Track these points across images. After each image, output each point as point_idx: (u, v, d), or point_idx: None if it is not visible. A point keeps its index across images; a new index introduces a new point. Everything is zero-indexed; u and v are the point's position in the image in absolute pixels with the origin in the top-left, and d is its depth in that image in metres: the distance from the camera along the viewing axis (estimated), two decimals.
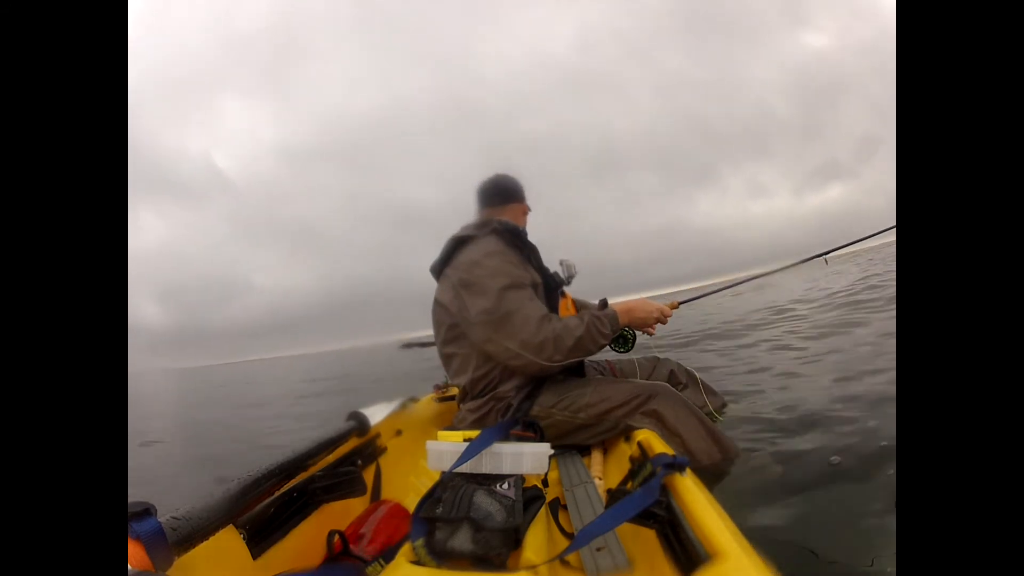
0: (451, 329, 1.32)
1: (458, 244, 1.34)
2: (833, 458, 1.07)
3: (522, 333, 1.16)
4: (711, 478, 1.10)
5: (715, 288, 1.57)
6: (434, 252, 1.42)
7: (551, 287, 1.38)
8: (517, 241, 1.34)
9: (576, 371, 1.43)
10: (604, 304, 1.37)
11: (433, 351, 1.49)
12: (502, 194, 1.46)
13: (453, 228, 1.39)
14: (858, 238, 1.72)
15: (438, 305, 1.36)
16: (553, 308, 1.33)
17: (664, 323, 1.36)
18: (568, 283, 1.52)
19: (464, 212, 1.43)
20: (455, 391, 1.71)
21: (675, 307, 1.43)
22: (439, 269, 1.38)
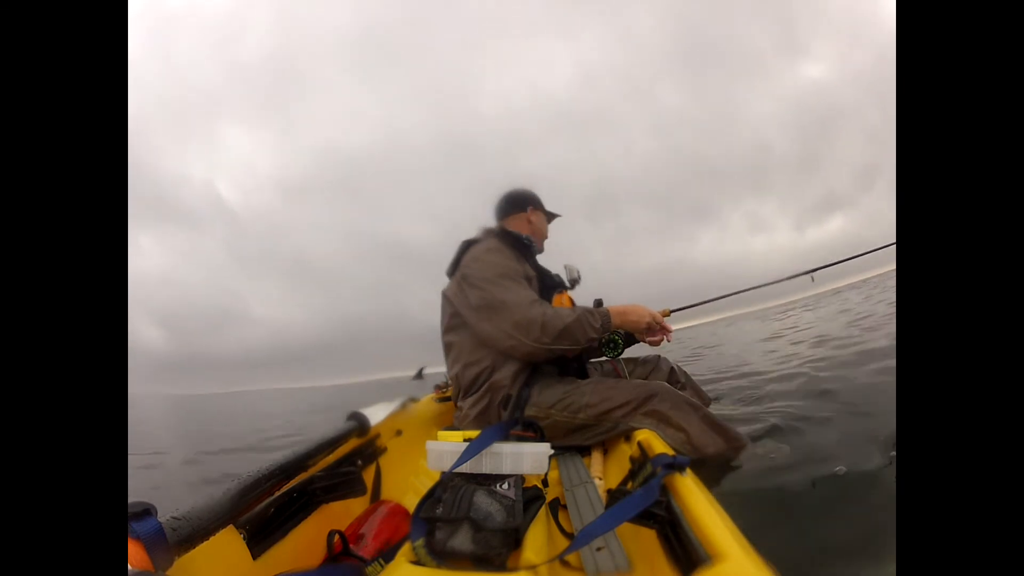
0: (452, 317, 1.42)
1: (466, 247, 1.47)
2: (839, 468, 1.06)
3: (513, 314, 1.24)
4: (718, 470, 1.10)
5: (706, 299, 1.61)
6: (429, 291, 1.56)
7: (547, 285, 1.46)
8: (514, 242, 1.46)
9: (579, 372, 1.45)
10: (599, 303, 1.42)
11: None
12: (505, 206, 1.62)
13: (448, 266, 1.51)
14: (845, 257, 1.78)
15: (444, 298, 1.47)
16: (547, 301, 1.38)
17: (655, 329, 1.40)
18: (572, 287, 1.59)
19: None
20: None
21: (667, 314, 1.48)
22: (452, 270, 1.49)
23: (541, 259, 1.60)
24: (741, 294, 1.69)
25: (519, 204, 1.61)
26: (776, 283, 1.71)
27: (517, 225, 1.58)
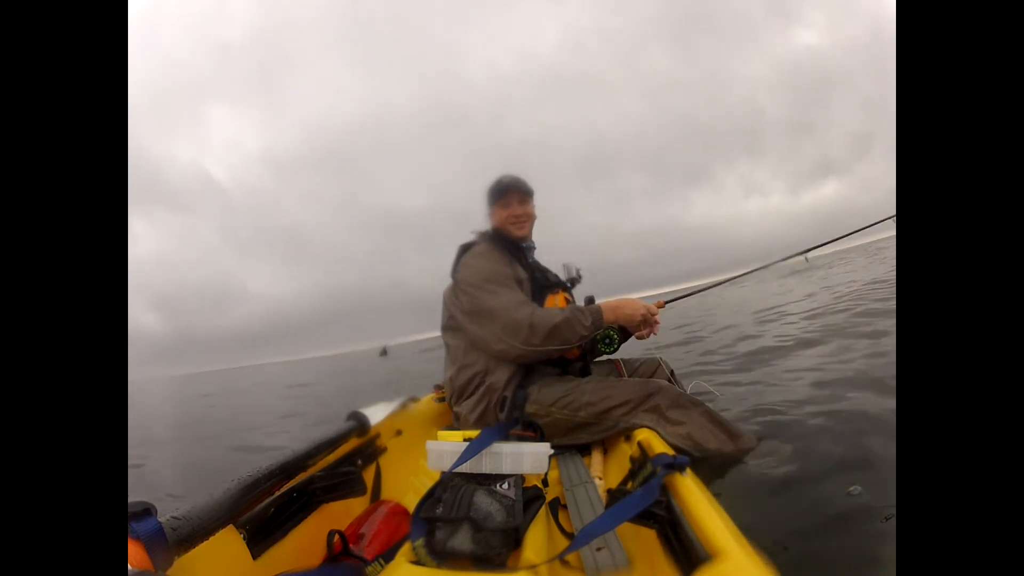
0: (449, 320, 1.44)
1: (461, 251, 1.48)
2: (853, 488, 0.95)
3: (501, 318, 1.26)
4: (720, 468, 1.08)
5: (698, 288, 1.60)
6: (424, 258, 1.58)
7: (540, 286, 1.45)
8: (505, 244, 1.46)
9: (581, 372, 1.46)
10: (591, 300, 1.42)
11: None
12: (487, 200, 1.57)
13: (442, 235, 1.59)
14: (838, 236, 1.77)
15: (443, 300, 1.49)
16: (540, 303, 1.39)
17: (650, 323, 1.38)
18: (572, 285, 1.57)
19: (452, 219, 1.55)
20: None
21: (661, 306, 1.46)
22: (453, 273, 1.50)
23: (544, 258, 1.58)
24: (731, 275, 1.70)
25: (490, 198, 1.52)
26: (771, 265, 1.72)
27: (497, 218, 1.50)
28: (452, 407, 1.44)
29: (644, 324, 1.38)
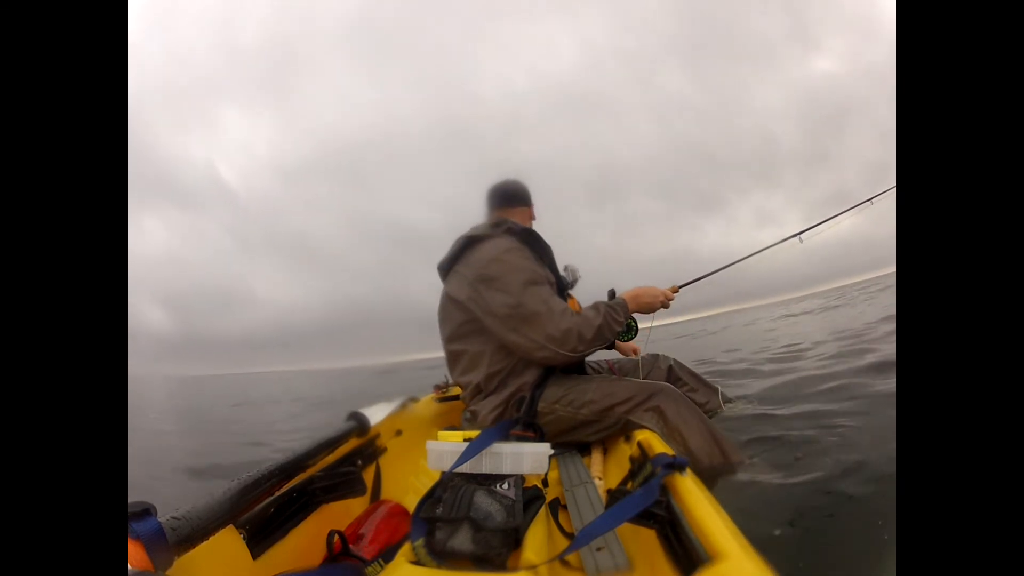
0: (463, 325, 1.33)
1: (470, 243, 1.35)
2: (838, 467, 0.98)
3: (548, 327, 1.20)
4: (710, 480, 1.09)
5: (711, 271, 1.63)
6: (431, 274, 1.46)
7: (562, 287, 1.42)
8: (531, 240, 1.36)
9: (578, 369, 1.45)
10: (612, 294, 1.42)
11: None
12: (511, 197, 1.50)
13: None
14: (831, 215, 1.82)
15: (450, 301, 1.36)
16: None
17: (667, 307, 1.43)
18: (572, 287, 1.55)
19: (460, 233, 1.44)
20: (457, 391, 1.71)
21: (676, 291, 1.50)
22: (447, 267, 1.39)
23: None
24: (738, 264, 1.74)
25: (522, 197, 1.51)
26: (768, 248, 1.77)
27: (520, 220, 1.47)
28: (468, 405, 1.38)
29: (662, 309, 1.41)
